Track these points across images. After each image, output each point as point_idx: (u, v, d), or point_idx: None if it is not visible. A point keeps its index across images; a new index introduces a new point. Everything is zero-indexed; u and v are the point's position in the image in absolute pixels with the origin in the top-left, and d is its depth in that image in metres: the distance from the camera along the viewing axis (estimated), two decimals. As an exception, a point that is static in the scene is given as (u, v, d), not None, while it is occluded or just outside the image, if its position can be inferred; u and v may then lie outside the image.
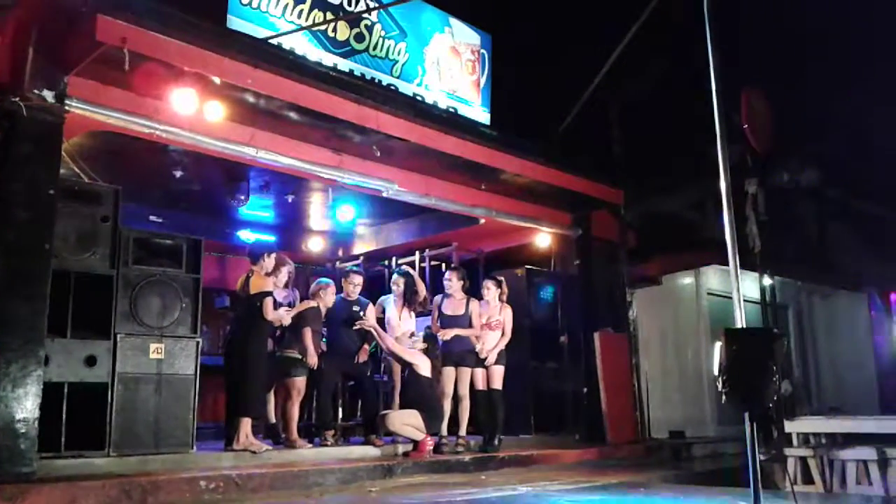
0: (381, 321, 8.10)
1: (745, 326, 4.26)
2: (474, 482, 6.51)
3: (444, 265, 10.11)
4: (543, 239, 10.11)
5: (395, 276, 8.44)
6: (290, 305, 7.54)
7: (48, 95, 5.63)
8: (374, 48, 8.71)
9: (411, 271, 8.65)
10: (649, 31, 9.13)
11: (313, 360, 7.37)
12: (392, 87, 8.72)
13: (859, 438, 7.30)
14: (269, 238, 10.82)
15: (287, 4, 7.96)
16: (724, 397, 3.96)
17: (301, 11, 8.07)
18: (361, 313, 7.73)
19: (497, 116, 9.86)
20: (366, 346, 7.83)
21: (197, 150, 6.84)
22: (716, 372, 3.98)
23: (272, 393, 7.64)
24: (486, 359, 7.97)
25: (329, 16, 8.27)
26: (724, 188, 4.50)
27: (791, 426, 7.63)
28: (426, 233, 10.54)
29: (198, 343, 6.43)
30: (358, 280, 7.97)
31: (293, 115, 6.93)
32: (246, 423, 6.69)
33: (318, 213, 10.60)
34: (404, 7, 8.79)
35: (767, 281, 9.79)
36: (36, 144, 5.61)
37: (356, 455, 7.25)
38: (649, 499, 5.85)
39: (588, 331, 9.77)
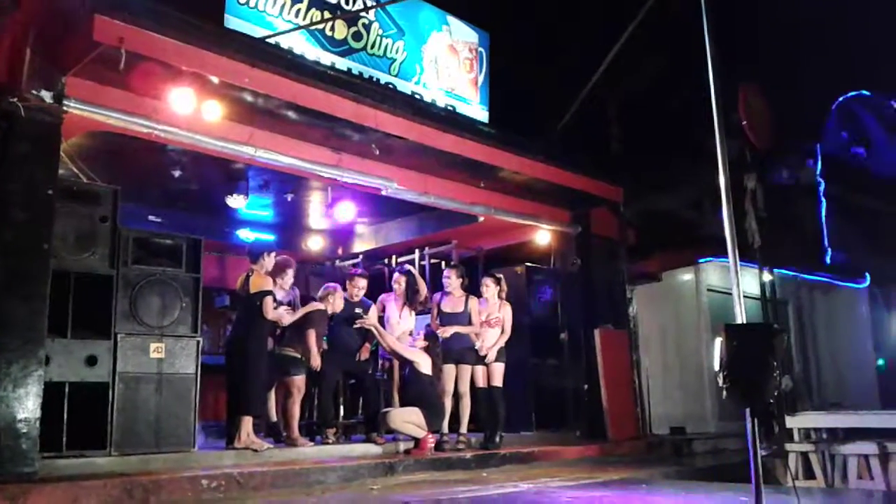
0: (381, 319, 8.10)
1: (745, 322, 4.26)
2: (476, 479, 6.51)
3: (443, 263, 10.10)
4: (543, 236, 10.11)
5: (396, 275, 8.45)
6: (290, 304, 7.54)
7: (46, 96, 5.63)
8: (372, 47, 8.71)
9: (413, 270, 8.66)
10: (647, 28, 9.13)
11: (316, 362, 7.37)
12: (390, 86, 8.72)
13: (860, 433, 7.32)
14: (269, 237, 10.82)
15: (284, 3, 7.96)
16: (724, 393, 3.97)
17: (298, 10, 8.07)
18: (363, 315, 7.73)
19: (495, 114, 9.86)
20: (367, 345, 7.84)
21: (195, 149, 6.84)
22: (716, 367, 3.98)
23: (273, 391, 7.63)
24: (486, 356, 7.97)
25: (326, 14, 8.27)
26: (724, 184, 4.50)
27: (792, 421, 7.65)
28: (425, 231, 10.54)
29: (198, 342, 6.43)
30: (362, 283, 7.98)
31: (291, 114, 6.93)
32: (247, 422, 6.70)
33: (318, 212, 10.60)
34: (402, 5, 8.80)
35: (767, 276, 9.81)
36: (34, 145, 5.61)
37: (357, 453, 7.26)
38: (650, 495, 5.85)
39: (588, 328, 9.78)
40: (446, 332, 7.86)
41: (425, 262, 10.64)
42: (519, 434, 8.84)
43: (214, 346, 9.18)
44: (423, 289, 8.39)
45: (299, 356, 7.32)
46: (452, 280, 8.11)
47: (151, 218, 9.05)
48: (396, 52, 8.96)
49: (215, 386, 7.63)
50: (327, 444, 7.40)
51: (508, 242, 10.54)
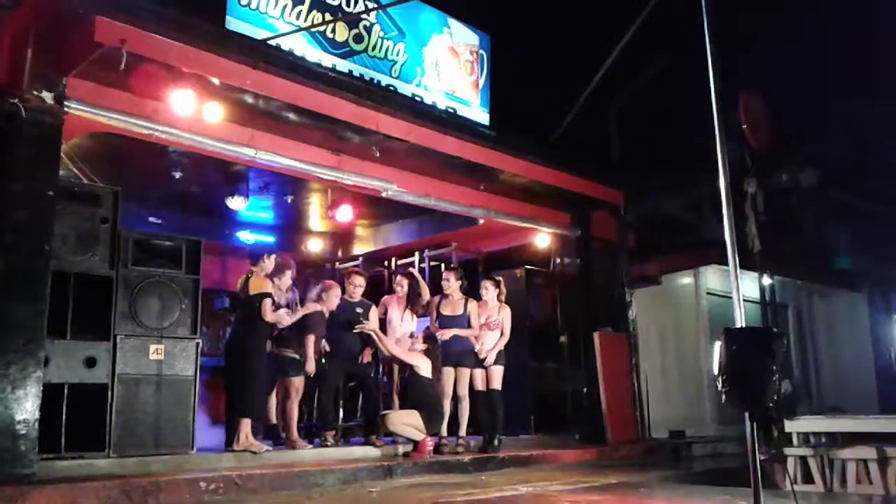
0: (383, 321, 8.10)
1: (744, 326, 4.26)
2: (474, 483, 6.51)
3: (443, 266, 10.11)
4: (543, 239, 10.11)
5: (398, 277, 8.45)
6: (289, 306, 7.54)
7: (47, 97, 5.64)
8: (373, 49, 8.71)
9: (415, 273, 8.66)
10: (648, 31, 9.13)
11: (311, 367, 7.38)
12: (391, 88, 8.72)
13: (859, 438, 7.29)
14: (269, 239, 10.83)
15: (286, 5, 7.96)
16: (723, 397, 3.96)
17: (300, 12, 8.07)
18: (363, 316, 7.72)
19: (496, 117, 9.86)
20: (368, 348, 7.82)
21: (196, 151, 6.85)
22: (715, 371, 3.97)
23: (273, 394, 7.63)
24: (485, 359, 7.97)
25: (328, 17, 8.27)
26: (724, 188, 4.49)
27: (791, 426, 7.62)
28: (425, 233, 10.54)
29: (198, 344, 6.43)
30: (359, 281, 7.96)
31: (292, 115, 6.94)
32: (246, 424, 6.69)
33: (318, 214, 10.60)
34: (403, 8, 8.79)
35: (767, 280, 9.80)
36: (35, 146, 5.61)
37: (356, 456, 7.26)
38: (649, 499, 5.84)
39: (588, 331, 9.78)
40: (445, 334, 7.85)
41: (425, 265, 10.65)
42: (518, 437, 8.84)
43: (214, 348, 9.17)
44: (426, 292, 8.38)
45: (298, 357, 7.32)
46: (451, 283, 8.11)
47: (152, 219, 9.06)
48: (397, 54, 8.96)
49: (220, 388, 7.63)
50: (326, 446, 7.40)
51: (508, 245, 10.55)
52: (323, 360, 7.82)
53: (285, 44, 7.67)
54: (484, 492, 5.90)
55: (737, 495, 5.39)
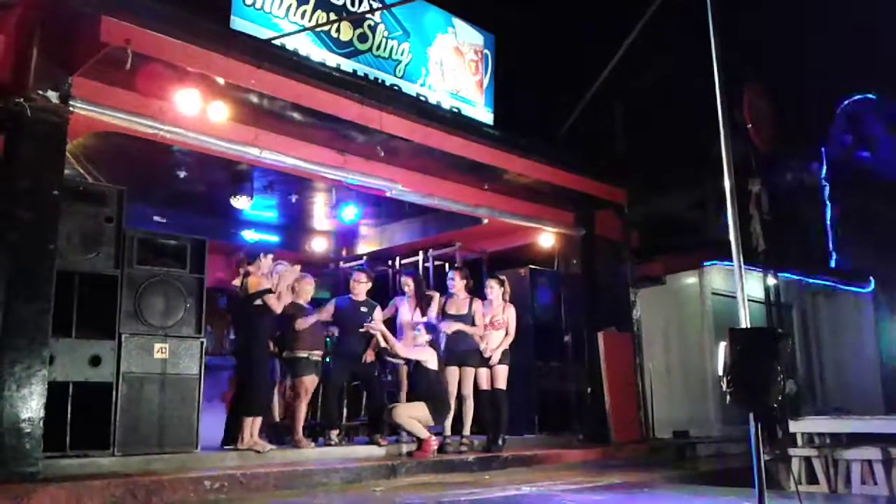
0: (393, 320, 8.12)
1: (749, 326, 4.25)
2: (478, 482, 6.51)
3: (447, 265, 10.11)
4: (547, 239, 10.10)
5: (404, 277, 8.47)
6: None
7: (52, 96, 5.65)
8: (378, 48, 8.71)
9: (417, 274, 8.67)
10: (652, 30, 9.12)
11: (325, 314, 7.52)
12: (395, 88, 8.72)
13: (864, 438, 7.28)
14: (273, 238, 10.84)
15: (290, 5, 7.96)
16: (728, 397, 3.96)
17: (304, 12, 8.07)
18: (368, 315, 7.73)
19: (500, 116, 9.86)
20: (372, 348, 7.82)
21: (201, 150, 6.85)
22: (720, 371, 3.97)
23: (276, 393, 7.64)
24: (490, 358, 7.97)
25: (332, 16, 8.27)
26: (728, 187, 4.49)
27: (795, 426, 7.61)
28: (429, 233, 10.54)
29: (202, 343, 6.44)
30: (363, 279, 7.96)
31: (297, 115, 6.94)
32: (250, 423, 6.70)
33: (322, 213, 10.61)
34: (407, 7, 8.79)
35: (772, 280, 9.78)
36: (40, 145, 5.63)
37: (360, 455, 7.26)
38: (653, 499, 5.84)
39: (592, 330, 9.77)
40: (451, 327, 7.86)
41: (429, 264, 10.65)
42: (522, 437, 8.83)
43: (219, 347, 9.19)
44: (436, 295, 8.38)
45: (306, 356, 7.32)
46: (457, 282, 8.13)
47: (156, 218, 9.07)
48: (402, 53, 8.95)
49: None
50: (330, 445, 7.41)
51: (512, 244, 10.54)
52: (327, 360, 7.83)
53: (290, 43, 7.67)
54: (488, 491, 5.90)
55: (741, 496, 5.38)
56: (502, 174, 8.68)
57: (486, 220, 9.40)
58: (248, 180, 8.74)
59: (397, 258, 11.08)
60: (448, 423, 7.84)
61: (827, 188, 12.84)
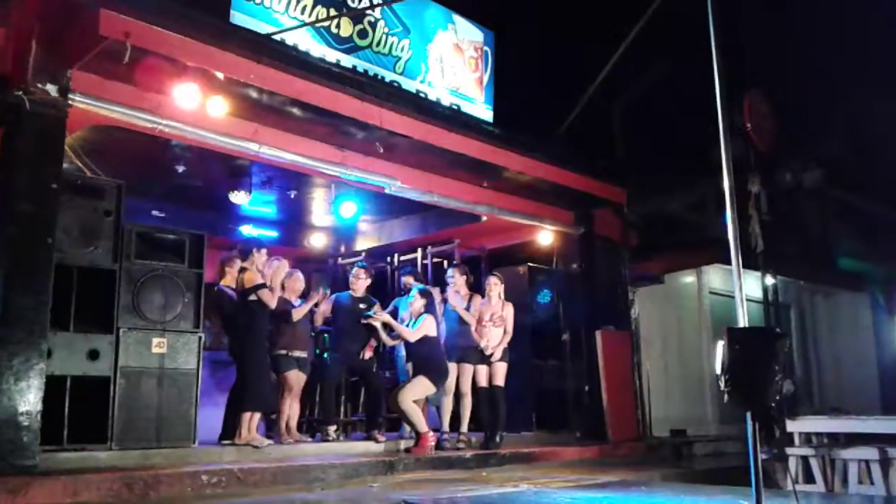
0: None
1: (747, 325, 4.25)
2: (475, 479, 6.52)
3: (445, 262, 10.11)
4: (546, 237, 10.10)
5: (404, 278, 8.49)
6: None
7: (51, 89, 5.64)
8: (378, 45, 8.71)
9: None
10: (654, 29, 9.11)
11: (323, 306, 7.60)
12: (395, 84, 8.72)
13: (861, 438, 7.30)
14: (272, 233, 10.81)
15: (290, 0, 7.96)
16: (726, 396, 3.96)
17: (304, 7, 8.06)
18: (368, 310, 7.72)
19: (500, 114, 9.86)
20: (371, 343, 7.81)
21: (200, 145, 6.84)
22: (718, 371, 3.97)
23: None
24: (491, 355, 7.99)
25: (332, 12, 8.26)
26: (728, 187, 4.48)
27: (793, 425, 7.63)
28: (428, 230, 10.53)
29: (200, 338, 6.44)
30: (362, 275, 7.96)
31: (296, 110, 6.93)
32: (248, 418, 6.70)
33: (321, 209, 10.59)
34: (408, 4, 8.78)
35: (770, 280, 9.79)
36: (39, 138, 5.62)
37: (358, 450, 7.27)
38: (650, 497, 5.84)
39: (590, 329, 9.77)
40: (449, 297, 7.95)
41: (427, 262, 10.64)
42: (520, 434, 8.83)
43: (217, 342, 9.19)
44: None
45: (286, 353, 7.28)
46: (456, 279, 8.15)
47: (155, 213, 9.05)
48: (402, 50, 8.95)
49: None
50: (328, 441, 7.41)
51: (511, 242, 10.53)
52: (325, 355, 7.82)
53: (290, 38, 7.67)
54: (485, 488, 5.91)
55: (738, 495, 5.38)
56: (502, 172, 8.68)
57: (485, 218, 9.40)
58: (247, 175, 8.73)
59: (396, 255, 11.07)
60: (446, 419, 7.86)
61: (826, 188, 12.83)
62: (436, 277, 9.93)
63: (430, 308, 7.70)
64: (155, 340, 6.17)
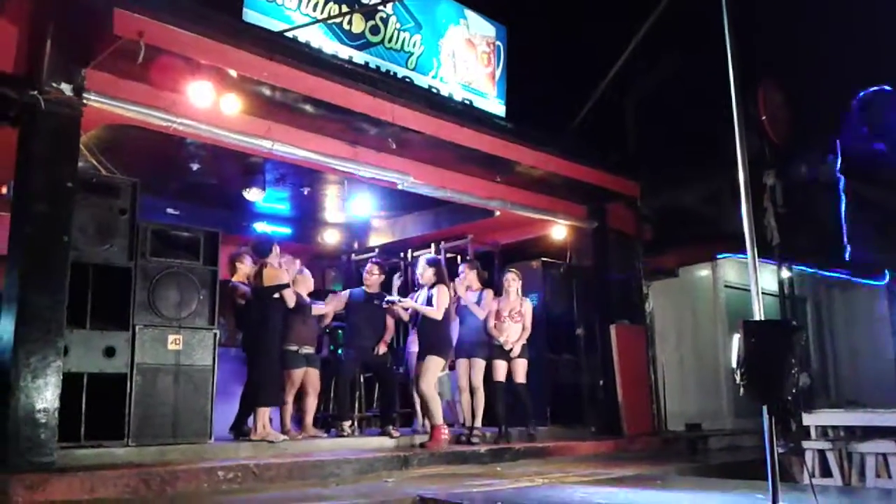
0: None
1: (763, 319, 4.23)
2: (490, 473, 6.52)
3: (459, 257, 10.12)
4: (559, 231, 10.09)
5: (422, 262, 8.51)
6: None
7: (66, 89, 5.68)
8: (390, 40, 8.70)
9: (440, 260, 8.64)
10: (666, 21, 9.06)
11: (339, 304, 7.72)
12: (407, 80, 8.71)
13: (878, 431, 7.24)
14: (285, 230, 10.85)
15: (302, -3, 7.96)
16: (741, 390, 3.94)
17: (316, 4, 8.06)
18: (391, 298, 7.78)
19: (512, 108, 9.82)
20: (385, 338, 7.85)
21: (214, 142, 6.87)
22: (734, 364, 3.95)
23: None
24: (511, 350, 7.99)
25: (344, 8, 8.26)
26: (742, 180, 4.46)
27: (809, 419, 7.58)
28: (441, 225, 10.54)
29: (215, 334, 6.47)
30: (377, 271, 7.99)
31: (309, 107, 6.94)
32: (263, 413, 6.73)
33: (334, 206, 10.62)
34: (419, -1, 8.78)
35: (786, 273, 9.73)
36: (54, 138, 5.66)
37: (373, 446, 7.29)
38: (665, 491, 5.83)
39: (604, 323, 9.76)
40: (462, 291, 7.98)
41: (441, 257, 10.64)
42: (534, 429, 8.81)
43: (232, 339, 9.23)
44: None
45: (296, 349, 7.30)
46: (467, 273, 8.16)
47: (169, 211, 9.10)
48: (414, 45, 8.94)
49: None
50: (342, 436, 7.44)
51: (524, 237, 10.52)
52: (339, 351, 7.85)
53: (302, 36, 7.68)
54: (500, 483, 5.91)
55: (754, 489, 5.36)
56: (514, 166, 8.67)
57: (498, 213, 9.39)
58: (261, 173, 8.76)
59: (409, 250, 11.08)
60: (468, 415, 7.93)
61: (842, 180, 12.72)
62: (449, 273, 9.92)
63: (440, 277, 7.70)
64: (171, 337, 6.21)
